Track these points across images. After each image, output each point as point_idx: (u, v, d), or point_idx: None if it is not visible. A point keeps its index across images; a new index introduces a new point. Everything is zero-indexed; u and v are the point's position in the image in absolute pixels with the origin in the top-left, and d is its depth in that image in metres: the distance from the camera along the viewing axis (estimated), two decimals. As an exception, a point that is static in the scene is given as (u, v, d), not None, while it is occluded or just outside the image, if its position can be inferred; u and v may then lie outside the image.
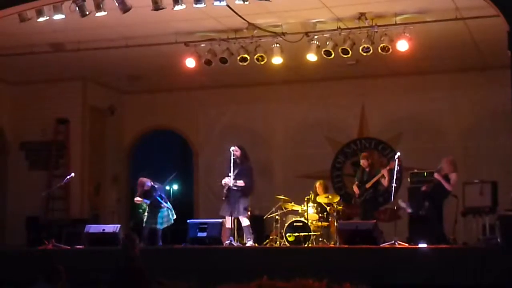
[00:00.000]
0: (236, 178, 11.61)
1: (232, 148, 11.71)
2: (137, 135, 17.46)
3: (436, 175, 11.42)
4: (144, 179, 12.45)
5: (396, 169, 11.46)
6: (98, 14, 10.60)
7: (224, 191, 11.81)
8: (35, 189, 14.74)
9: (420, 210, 11.61)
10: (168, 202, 12.44)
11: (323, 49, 12.37)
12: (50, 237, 12.36)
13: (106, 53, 13.47)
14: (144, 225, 12.39)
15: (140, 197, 12.44)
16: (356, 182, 12.44)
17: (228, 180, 11.66)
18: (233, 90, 16.16)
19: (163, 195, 12.35)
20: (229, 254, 10.85)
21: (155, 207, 12.32)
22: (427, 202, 11.44)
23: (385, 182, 11.94)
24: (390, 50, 12.06)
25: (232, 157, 11.68)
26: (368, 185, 12.13)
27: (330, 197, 12.76)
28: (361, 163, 12.53)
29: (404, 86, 15.27)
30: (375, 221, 11.11)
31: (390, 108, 15.46)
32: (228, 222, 11.71)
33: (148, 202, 12.30)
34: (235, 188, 11.64)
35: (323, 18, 11.93)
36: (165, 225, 12.31)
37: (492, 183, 11.67)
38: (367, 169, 12.33)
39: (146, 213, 12.40)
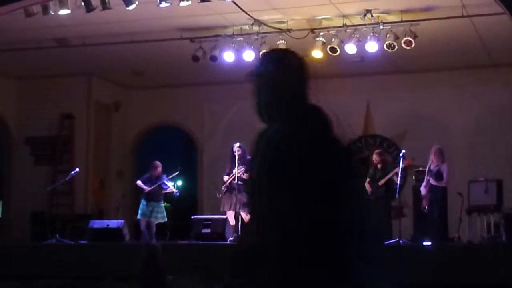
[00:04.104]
0: (242, 171, 11.69)
1: (235, 146, 11.81)
2: (142, 131, 17.44)
3: (431, 180, 11.21)
4: (159, 164, 12.64)
5: (401, 167, 11.45)
6: (104, 9, 10.61)
7: (223, 188, 11.85)
8: (40, 184, 14.73)
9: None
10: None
11: (329, 46, 12.35)
12: (55, 232, 12.40)
13: (111, 49, 13.45)
14: (145, 218, 12.47)
15: (144, 182, 12.56)
16: (368, 179, 12.03)
17: (229, 177, 11.74)
18: (238, 86, 16.08)
19: (165, 185, 12.60)
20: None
21: (155, 201, 12.45)
22: (428, 203, 11.38)
23: (397, 179, 11.61)
24: (396, 47, 12.02)
25: (236, 154, 11.76)
26: (381, 183, 11.83)
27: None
28: (373, 159, 12.29)
29: (409, 83, 15.20)
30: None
31: (395, 105, 15.38)
32: (232, 218, 11.73)
33: (147, 189, 12.40)
34: (239, 182, 11.68)
35: (329, 14, 11.91)
36: (164, 220, 12.52)
37: (497, 181, 11.66)
38: (380, 166, 12.06)
39: (143, 206, 12.54)
